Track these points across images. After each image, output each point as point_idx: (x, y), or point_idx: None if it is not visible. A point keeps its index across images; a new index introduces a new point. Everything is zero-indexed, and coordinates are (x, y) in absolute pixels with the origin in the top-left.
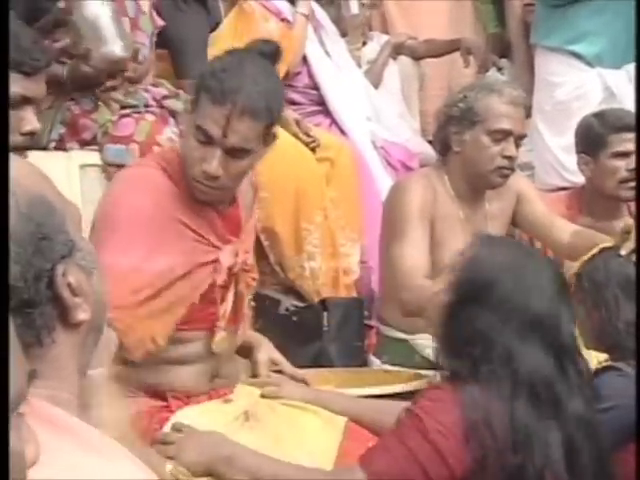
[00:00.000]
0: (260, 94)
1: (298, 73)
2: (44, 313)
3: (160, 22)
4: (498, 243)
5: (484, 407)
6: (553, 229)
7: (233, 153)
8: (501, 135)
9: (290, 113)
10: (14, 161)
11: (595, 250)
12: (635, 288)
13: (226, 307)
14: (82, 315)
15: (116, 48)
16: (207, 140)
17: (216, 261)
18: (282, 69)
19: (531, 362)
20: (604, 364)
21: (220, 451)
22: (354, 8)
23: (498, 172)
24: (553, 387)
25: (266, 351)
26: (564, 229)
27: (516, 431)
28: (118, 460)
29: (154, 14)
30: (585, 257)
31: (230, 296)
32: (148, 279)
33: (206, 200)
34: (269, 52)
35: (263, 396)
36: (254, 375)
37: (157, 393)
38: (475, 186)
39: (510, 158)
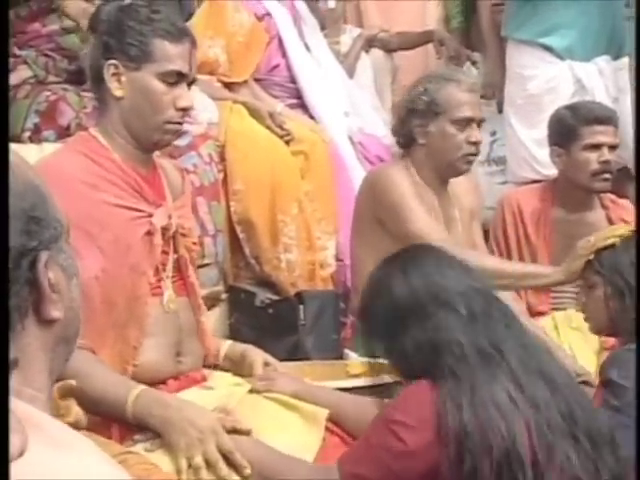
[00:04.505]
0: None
1: (276, 66)
2: (19, 294)
3: None
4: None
5: (460, 404)
6: None
7: (189, 86)
8: (464, 122)
9: (263, 106)
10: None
11: (614, 240)
12: (635, 286)
13: (167, 273)
14: (55, 313)
15: None
16: (176, 80)
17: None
18: (253, 61)
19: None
20: (625, 348)
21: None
22: (331, 2)
23: (465, 159)
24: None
25: (259, 354)
26: None
27: (499, 422)
28: (89, 457)
29: None
30: (603, 243)
31: (170, 260)
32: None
33: (167, 143)
34: None
35: (252, 391)
36: (248, 375)
37: None
38: (442, 175)
39: (475, 143)
